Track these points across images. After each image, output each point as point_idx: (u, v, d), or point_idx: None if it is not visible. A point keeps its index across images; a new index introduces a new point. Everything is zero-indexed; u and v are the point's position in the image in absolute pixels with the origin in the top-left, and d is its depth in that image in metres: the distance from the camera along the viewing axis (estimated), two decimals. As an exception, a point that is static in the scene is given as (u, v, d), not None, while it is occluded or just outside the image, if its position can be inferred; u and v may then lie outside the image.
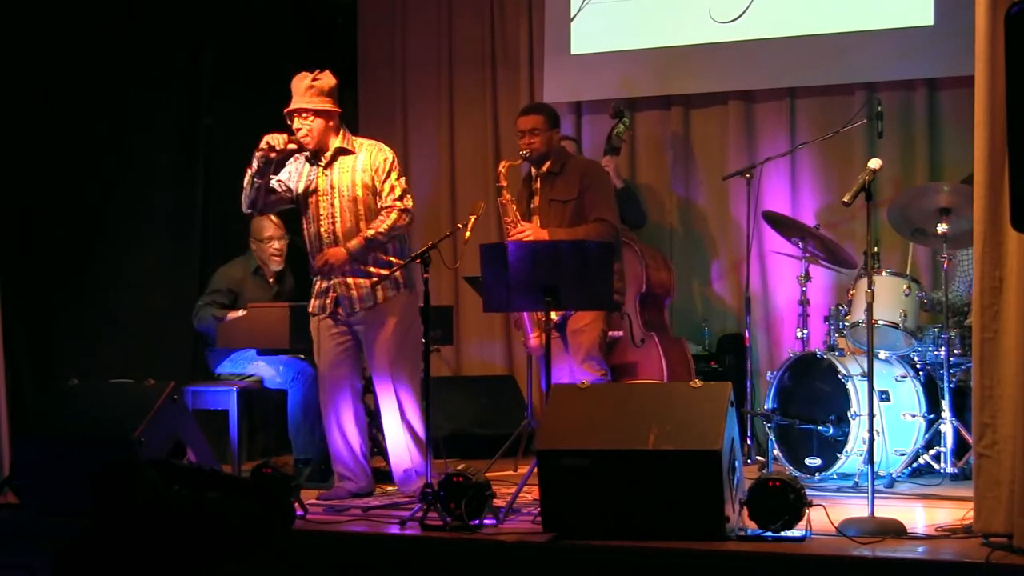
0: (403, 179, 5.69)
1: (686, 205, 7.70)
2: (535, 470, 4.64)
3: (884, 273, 6.11)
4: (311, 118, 5.56)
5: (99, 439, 5.21)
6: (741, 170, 7.05)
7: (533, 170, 6.29)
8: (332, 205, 5.60)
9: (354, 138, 5.72)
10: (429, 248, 5.36)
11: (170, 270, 7.31)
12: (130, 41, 7.01)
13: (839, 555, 4.20)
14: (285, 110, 5.62)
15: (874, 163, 4.87)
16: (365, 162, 5.62)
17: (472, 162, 8.16)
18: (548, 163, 6.21)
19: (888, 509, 4.84)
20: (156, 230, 7.24)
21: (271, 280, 6.78)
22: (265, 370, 6.51)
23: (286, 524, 3.26)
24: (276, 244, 6.69)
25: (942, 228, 5.91)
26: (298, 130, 5.57)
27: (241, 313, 6.35)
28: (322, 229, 5.61)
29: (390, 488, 5.90)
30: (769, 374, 6.30)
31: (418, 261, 5.32)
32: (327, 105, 5.59)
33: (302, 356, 6.38)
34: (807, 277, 6.42)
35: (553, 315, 5.71)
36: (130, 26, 7.00)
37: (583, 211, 6.14)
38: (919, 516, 5.05)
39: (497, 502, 4.83)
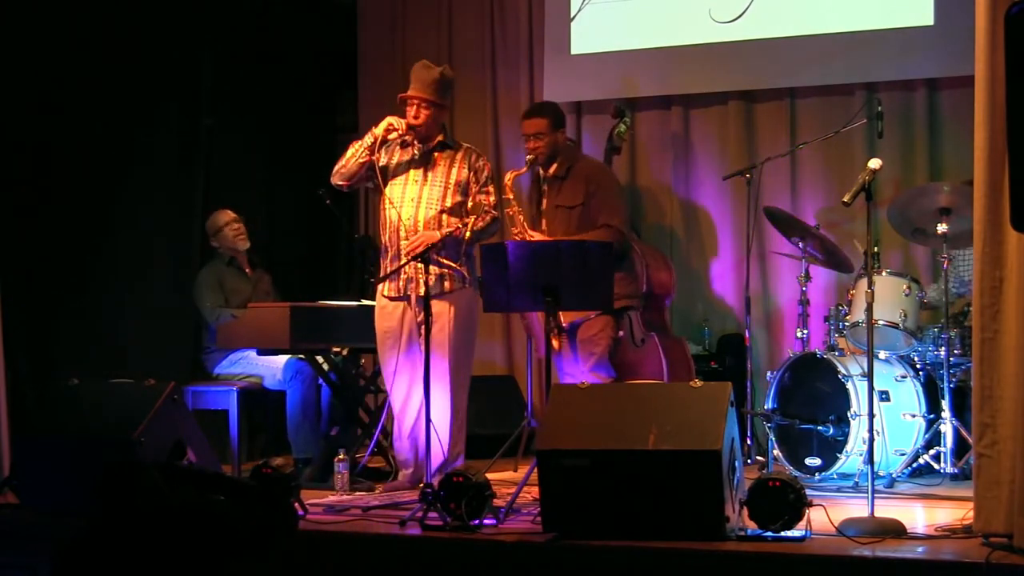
0: (495, 191, 5.85)
1: (686, 205, 7.70)
2: (535, 470, 4.64)
3: (884, 273, 6.11)
4: (429, 108, 5.71)
5: (99, 439, 5.20)
6: (741, 170, 7.05)
7: (540, 171, 6.29)
8: (421, 192, 5.71)
9: (456, 142, 5.91)
10: (429, 248, 5.38)
11: (170, 270, 7.31)
12: (130, 41, 7.00)
13: (839, 555, 4.20)
14: (402, 96, 5.79)
15: (874, 163, 4.86)
16: (465, 161, 5.78)
17: (472, 162, 8.15)
18: (555, 166, 6.22)
19: (888, 509, 4.84)
20: (156, 230, 7.24)
21: (248, 271, 6.85)
22: (265, 370, 6.51)
23: (289, 527, 3.26)
24: (235, 225, 6.86)
25: (942, 228, 5.91)
26: (415, 117, 5.72)
27: None
28: (404, 213, 5.71)
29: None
30: (769, 374, 6.30)
31: (418, 261, 5.34)
32: (445, 100, 5.80)
33: (301, 356, 6.38)
34: (807, 277, 6.42)
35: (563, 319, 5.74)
36: (130, 26, 7.00)
37: (590, 216, 6.13)
38: (919, 516, 5.05)
39: (497, 502, 4.82)
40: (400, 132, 5.71)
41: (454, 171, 5.75)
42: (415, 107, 5.72)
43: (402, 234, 5.71)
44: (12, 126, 6.42)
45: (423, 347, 5.26)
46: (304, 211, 7.69)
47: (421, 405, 5.66)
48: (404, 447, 5.85)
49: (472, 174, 5.76)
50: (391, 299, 5.78)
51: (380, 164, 5.77)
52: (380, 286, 5.82)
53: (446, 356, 5.65)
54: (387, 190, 5.76)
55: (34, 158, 6.55)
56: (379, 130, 5.72)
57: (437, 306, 5.57)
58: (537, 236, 6.05)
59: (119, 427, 5.16)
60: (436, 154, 5.79)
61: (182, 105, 7.43)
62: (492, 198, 5.78)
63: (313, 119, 8.42)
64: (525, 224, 6.13)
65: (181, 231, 7.38)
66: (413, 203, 5.72)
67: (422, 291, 5.45)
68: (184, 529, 2.78)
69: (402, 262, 5.63)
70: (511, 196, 6.14)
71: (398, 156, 5.82)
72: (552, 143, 6.20)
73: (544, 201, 6.27)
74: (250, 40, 7.80)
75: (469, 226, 5.66)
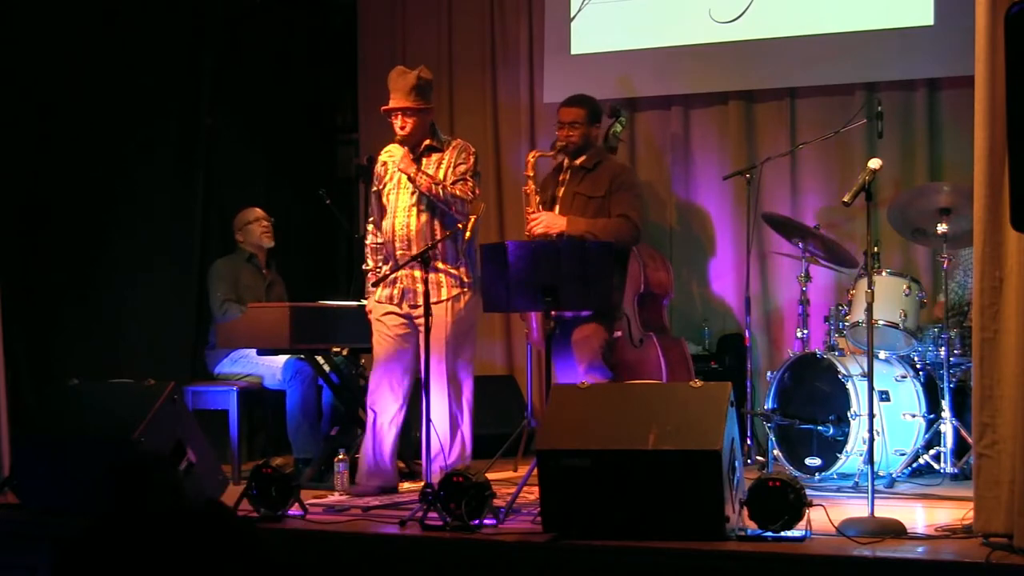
0: (476, 180, 5.75)
1: (686, 205, 7.70)
2: (535, 470, 4.64)
3: (884, 273, 6.11)
4: (413, 116, 5.68)
5: (99, 439, 5.20)
6: (741, 170, 7.04)
7: (565, 162, 6.30)
8: (412, 199, 5.68)
9: (445, 137, 5.86)
10: (429, 248, 5.39)
11: (170, 270, 7.31)
12: (130, 41, 7.01)
13: (839, 555, 4.20)
14: (383, 108, 5.77)
15: (874, 163, 4.87)
16: (451, 159, 5.73)
17: (472, 162, 8.15)
18: (583, 158, 6.24)
19: (888, 509, 4.83)
20: (156, 230, 7.24)
21: (264, 271, 6.85)
22: (265, 370, 6.51)
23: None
24: (263, 222, 6.89)
25: (942, 228, 5.91)
26: (402, 128, 5.70)
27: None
28: (397, 222, 5.70)
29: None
30: (769, 374, 6.30)
31: (418, 261, 5.34)
32: (427, 104, 5.74)
33: (301, 356, 6.38)
34: (807, 277, 6.42)
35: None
36: (130, 26, 7.01)
37: (609, 210, 6.17)
38: (919, 516, 5.05)
39: (497, 502, 4.82)
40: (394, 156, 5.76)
41: (441, 172, 5.70)
42: (399, 117, 5.70)
43: (397, 244, 5.69)
44: (12, 126, 6.42)
45: (421, 352, 5.26)
46: (304, 211, 7.68)
47: (397, 413, 5.69)
48: (367, 451, 5.76)
49: (451, 168, 5.71)
50: (379, 303, 5.74)
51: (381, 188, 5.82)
52: (374, 290, 5.78)
53: (443, 361, 5.62)
54: (384, 201, 5.78)
55: (34, 158, 6.55)
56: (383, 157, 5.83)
57: (435, 312, 5.55)
58: (543, 214, 6.09)
59: (119, 427, 5.16)
60: (424, 159, 5.74)
61: (182, 105, 7.43)
62: (469, 183, 5.67)
63: (313, 119, 8.42)
64: (539, 206, 6.17)
65: (181, 231, 7.38)
66: (405, 211, 5.70)
67: (418, 300, 5.44)
68: (192, 531, 2.77)
69: (398, 267, 5.62)
70: (532, 175, 6.22)
71: (392, 168, 5.82)
72: (585, 135, 6.25)
73: (561, 189, 6.29)
74: (250, 40, 7.80)
75: (443, 184, 5.61)
